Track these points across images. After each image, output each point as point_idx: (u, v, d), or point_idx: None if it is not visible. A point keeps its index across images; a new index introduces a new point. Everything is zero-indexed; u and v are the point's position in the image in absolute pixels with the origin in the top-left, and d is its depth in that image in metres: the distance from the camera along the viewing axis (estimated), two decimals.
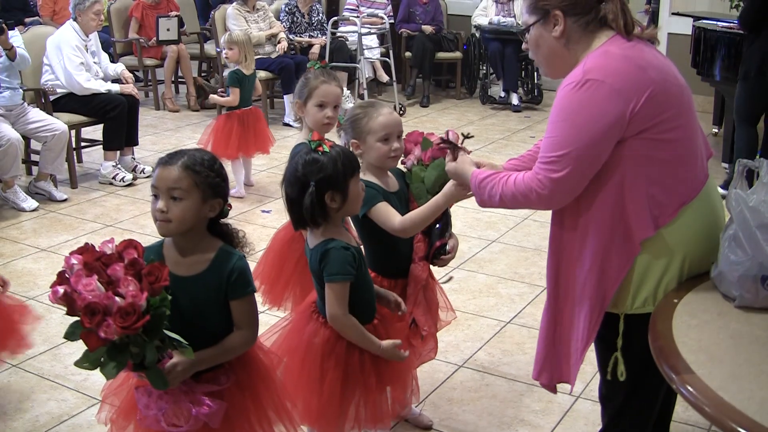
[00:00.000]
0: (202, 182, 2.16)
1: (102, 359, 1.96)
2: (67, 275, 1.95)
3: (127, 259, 1.97)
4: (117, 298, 1.90)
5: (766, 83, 5.73)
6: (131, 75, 6.80)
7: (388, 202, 2.68)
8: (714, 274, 2.17)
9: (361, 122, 2.73)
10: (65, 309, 1.94)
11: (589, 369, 3.33)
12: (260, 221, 5.48)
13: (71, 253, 1.97)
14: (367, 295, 2.55)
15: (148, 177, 6.40)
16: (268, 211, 5.66)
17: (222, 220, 2.29)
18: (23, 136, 5.69)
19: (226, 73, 6.34)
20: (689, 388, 1.74)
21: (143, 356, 1.97)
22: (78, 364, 1.99)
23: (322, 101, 3.10)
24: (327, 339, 2.50)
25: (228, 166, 5.60)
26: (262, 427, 2.34)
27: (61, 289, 1.93)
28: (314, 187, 2.36)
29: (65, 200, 5.86)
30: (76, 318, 1.93)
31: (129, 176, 6.28)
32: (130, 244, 2.02)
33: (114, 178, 6.24)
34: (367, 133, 2.71)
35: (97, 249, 1.99)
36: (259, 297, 3.03)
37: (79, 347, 1.96)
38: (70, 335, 1.96)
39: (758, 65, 5.69)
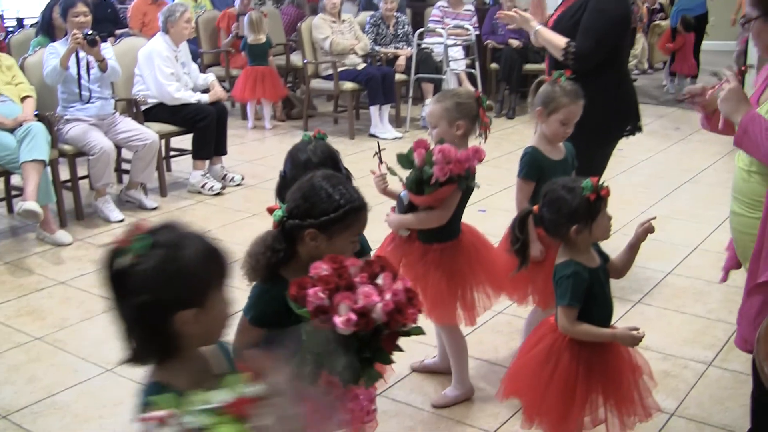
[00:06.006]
0: None
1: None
2: (325, 304, 1.92)
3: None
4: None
5: None
6: (221, 86, 6.82)
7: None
8: None
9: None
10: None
11: (682, 386, 3.36)
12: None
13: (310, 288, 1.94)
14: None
15: (237, 185, 6.42)
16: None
17: None
18: (115, 145, 5.73)
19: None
20: None
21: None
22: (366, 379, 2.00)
23: (566, 119, 3.25)
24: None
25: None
26: None
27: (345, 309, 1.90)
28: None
29: (155, 209, 5.89)
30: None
31: (218, 185, 6.29)
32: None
33: (203, 187, 6.26)
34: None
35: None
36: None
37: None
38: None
39: None
